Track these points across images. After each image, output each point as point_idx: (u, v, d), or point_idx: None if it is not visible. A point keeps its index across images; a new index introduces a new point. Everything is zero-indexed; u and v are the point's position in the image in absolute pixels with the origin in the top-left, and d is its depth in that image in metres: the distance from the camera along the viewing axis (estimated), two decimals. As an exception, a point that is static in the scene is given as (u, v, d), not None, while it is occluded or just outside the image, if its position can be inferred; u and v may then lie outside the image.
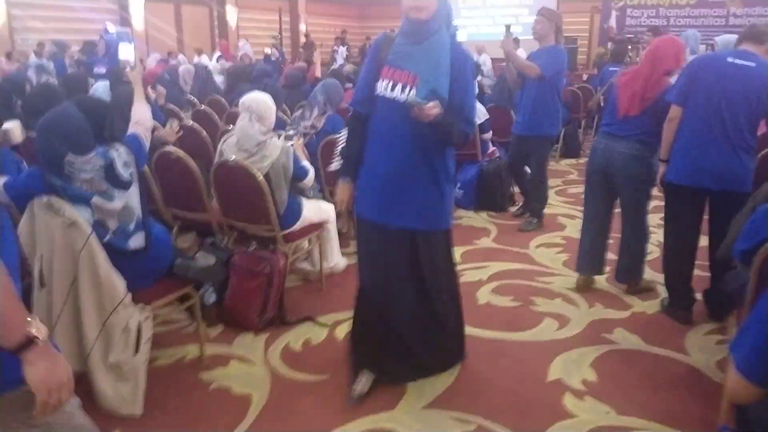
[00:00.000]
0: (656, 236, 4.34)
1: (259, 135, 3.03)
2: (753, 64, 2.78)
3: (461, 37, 14.88)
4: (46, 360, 1.15)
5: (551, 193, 5.63)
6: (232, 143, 3.12)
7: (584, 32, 16.43)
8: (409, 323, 2.45)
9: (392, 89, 2.16)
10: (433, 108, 2.01)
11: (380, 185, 2.27)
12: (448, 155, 2.30)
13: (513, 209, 5.09)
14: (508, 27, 4.40)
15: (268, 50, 12.87)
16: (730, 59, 2.83)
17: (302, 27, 17.84)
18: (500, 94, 6.09)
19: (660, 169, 3.06)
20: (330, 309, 3.22)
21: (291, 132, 3.60)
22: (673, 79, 3.02)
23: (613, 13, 14.73)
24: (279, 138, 3.17)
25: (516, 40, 11.27)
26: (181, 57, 10.96)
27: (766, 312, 1.24)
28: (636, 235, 3.30)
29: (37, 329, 1.13)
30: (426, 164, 2.23)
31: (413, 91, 2.09)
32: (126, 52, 3.21)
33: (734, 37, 6.25)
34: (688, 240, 3.06)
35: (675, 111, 2.92)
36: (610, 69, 7.02)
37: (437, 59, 2.11)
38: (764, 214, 2.00)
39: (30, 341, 1.12)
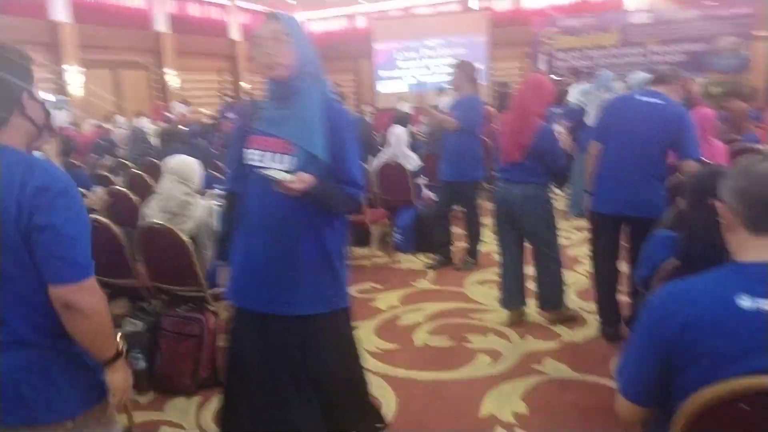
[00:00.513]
0: (584, 266, 4.51)
1: (182, 196, 3.05)
2: (661, 102, 3.05)
3: (399, 86, 15.30)
4: (123, 368, 1.47)
5: (486, 230, 5.79)
6: (155, 206, 3.13)
7: (517, 76, 17.17)
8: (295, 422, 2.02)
9: (263, 160, 1.90)
10: (299, 182, 1.76)
11: (258, 270, 1.96)
12: (337, 227, 2.00)
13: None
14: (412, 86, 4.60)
15: (205, 111, 12.99)
16: (639, 97, 3.12)
17: (244, 85, 18.06)
18: (435, 143, 6.29)
19: (585, 199, 3.29)
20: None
21: (219, 189, 3.63)
22: (543, 122, 3.27)
23: (542, 57, 15.49)
24: (203, 197, 3.20)
25: (442, 91, 11.77)
26: (119, 119, 10.90)
27: (638, 336, 1.33)
28: (546, 265, 3.45)
29: (121, 343, 1.46)
30: (311, 241, 1.93)
31: (289, 160, 1.86)
32: (61, 119, 3.21)
33: (644, 74, 6.69)
34: (608, 263, 3.25)
35: (594, 147, 3.21)
36: (553, 110, 7.36)
37: (309, 120, 1.87)
38: (656, 242, 2.14)
39: (119, 354, 1.45)
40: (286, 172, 1.81)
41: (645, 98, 3.09)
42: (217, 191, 3.58)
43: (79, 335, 1.36)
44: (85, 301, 1.34)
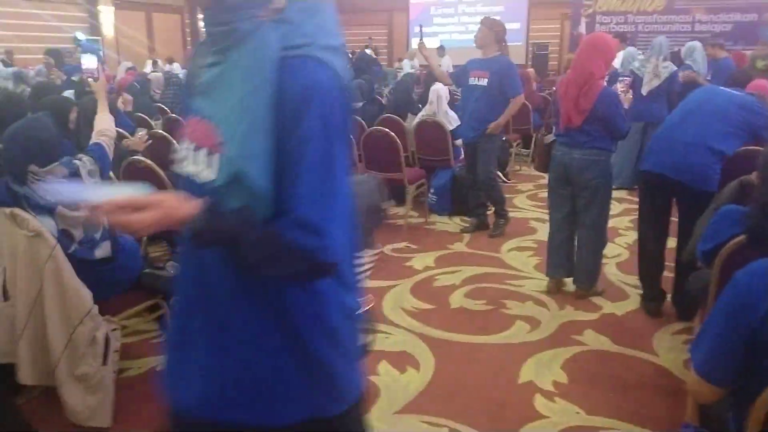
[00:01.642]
0: (625, 239, 4.43)
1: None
2: (748, 96, 3.04)
3: (434, 43, 15.09)
4: None
5: (523, 197, 5.72)
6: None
7: (555, 38, 16.67)
8: None
9: (188, 160, 1.05)
10: (151, 206, 0.90)
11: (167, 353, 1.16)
12: (321, 289, 1.03)
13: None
14: (420, 27, 4.46)
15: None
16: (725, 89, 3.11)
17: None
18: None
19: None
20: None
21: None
22: (604, 82, 3.14)
23: (583, 20, 14.98)
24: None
25: (442, 48, 11.55)
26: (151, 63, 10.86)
27: (719, 315, 1.28)
28: (591, 241, 3.36)
29: None
30: (247, 309, 1.02)
31: (214, 162, 0.98)
32: (89, 63, 3.18)
33: (697, 43, 6.41)
34: (652, 233, 3.16)
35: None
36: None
37: (242, 96, 0.94)
38: (724, 215, 2.05)
39: None
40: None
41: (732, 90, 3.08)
42: None
43: None
44: None
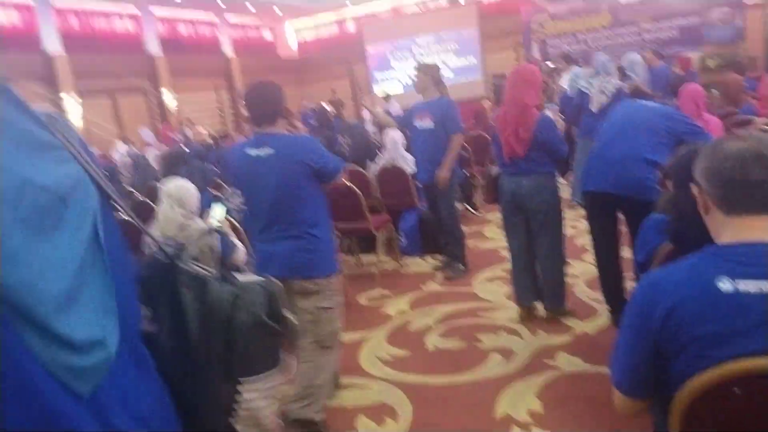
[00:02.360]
0: (591, 256, 4.47)
1: (180, 218, 3.06)
2: (653, 105, 3.19)
3: (396, 87, 15.33)
4: None
5: (492, 227, 5.77)
6: (155, 232, 3.13)
7: (512, 66, 17.11)
8: None
9: None
10: None
11: None
12: None
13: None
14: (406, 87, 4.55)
15: (202, 129, 13.03)
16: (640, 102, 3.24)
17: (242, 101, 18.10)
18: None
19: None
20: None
21: (218, 209, 3.63)
22: (547, 111, 3.27)
23: (534, 45, 15.44)
24: (202, 219, 3.20)
25: (387, 96, 12.00)
26: (120, 147, 10.98)
27: (626, 329, 1.31)
28: (552, 262, 3.41)
29: None
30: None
31: None
32: None
33: (635, 55, 6.64)
34: (605, 248, 3.22)
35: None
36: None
37: None
38: (650, 226, 2.11)
39: None
40: None
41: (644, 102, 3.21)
42: (218, 209, 3.58)
43: None
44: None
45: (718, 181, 1.23)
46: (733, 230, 1.23)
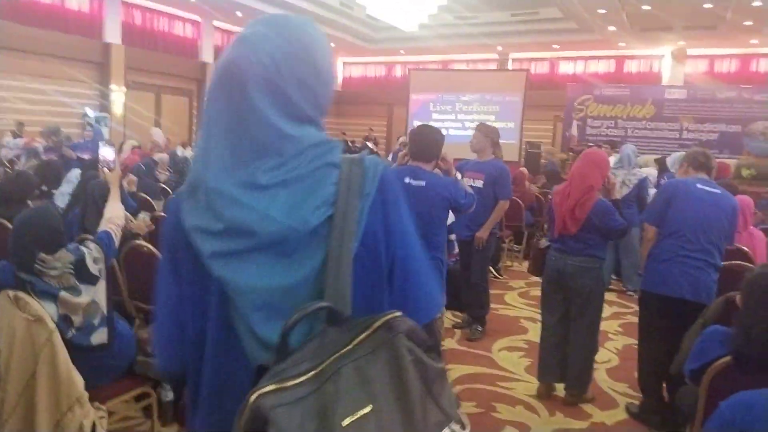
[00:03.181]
0: (614, 343, 4.45)
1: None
2: (718, 191, 3.16)
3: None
4: None
5: (514, 294, 5.76)
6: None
7: (548, 138, 17.33)
8: None
9: None
10: None
11: None
12: None
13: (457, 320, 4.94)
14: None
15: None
16: (699, 186, 3.16)
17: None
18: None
19: (635, 280, 3.26)
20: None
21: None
22: (598, 195, 3.27)
23: (574, 123, 15.63)
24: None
25: (404, 143, 11.95)
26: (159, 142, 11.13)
27: None
28: (583, 344, 3.39)
29: None
30: None
31: None
32: (107, 153, 3.32)
33: (683, 153, 6.73)
34: (665, 347, 3.16)
35: (651, 231, 3.23)
36: None
37: None
38: (710, 336, 2.12)
39: None
40: None
41: (704, 186, 3.16)
42: None
43: None
44: None
45: None
46: None
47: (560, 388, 3.53)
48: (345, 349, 0.84)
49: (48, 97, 12.40)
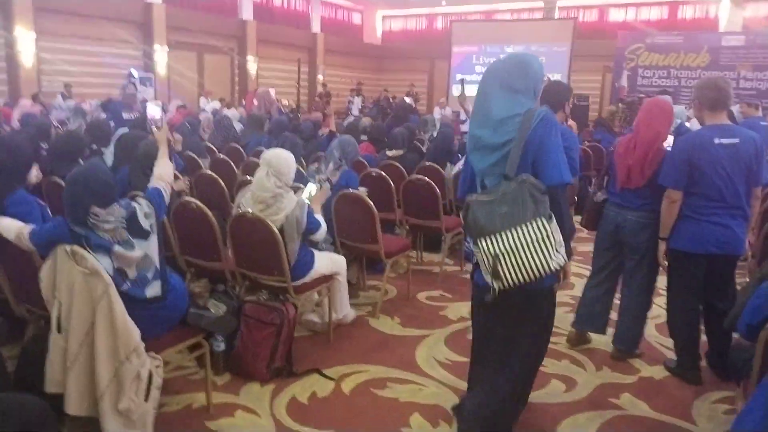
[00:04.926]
0: (664, 299, 4.35)
1: (275, 188, 3.13)
2: (737, 140, 2.88)
3: (474, 91, 15.47)
4: None
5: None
6: (249, 195, 3.22)
7: (596, 90, 16.75)
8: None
9: None
10: None
11: None
12: None
13: None
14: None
15: (285, 101, 13.21)
16: (716, 140, 2.88)
17: (320, 77, 18.34)
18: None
19: (661, 247, 3.09)
20: (337, 361, 3.25)
21: (311, 184, 3.72)
22: (666, 145, 3.10)
23: (625, 73, 15.03)
24: (295, 192, 3.27)
25: (443, 102, 11.66)
26: (202, 102, 11.25)
27: (764, 400, 1.27)
28: (640, 302, 3.32)
29: None
30: None
31: None
32: (154, 111, 3.36)
33: (735, 106, 6.39)
34: (695, 302, 3.12)
35: (675, 195, 2.96)
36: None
37: None
38: (767, 291, 2.04)
39: None
40: None
41: (721, 139, 2.88)
42: (312, 186, 3.66)
43: None
44: None
45: None
46: None
47: (597, 340, 3.50)
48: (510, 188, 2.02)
49: (94, 58, 12.63)
